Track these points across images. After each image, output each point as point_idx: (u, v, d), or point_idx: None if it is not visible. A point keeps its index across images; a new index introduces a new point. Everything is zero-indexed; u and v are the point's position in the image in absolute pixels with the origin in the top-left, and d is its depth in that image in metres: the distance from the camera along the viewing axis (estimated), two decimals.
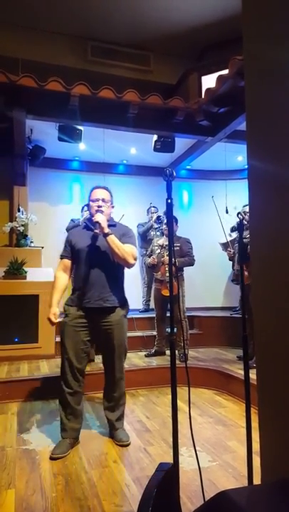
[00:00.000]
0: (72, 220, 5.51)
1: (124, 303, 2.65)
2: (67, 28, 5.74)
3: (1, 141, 5.00)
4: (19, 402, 3.36)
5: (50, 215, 5.98)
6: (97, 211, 2.57)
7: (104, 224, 2.47)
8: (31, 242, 5.23)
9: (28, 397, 3.43)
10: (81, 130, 4.75)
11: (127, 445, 2.53)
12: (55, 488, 2.02)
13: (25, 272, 4.56)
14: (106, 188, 2.70)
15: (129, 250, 2.55)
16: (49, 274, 4.86)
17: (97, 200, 2.62)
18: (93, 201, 2.63)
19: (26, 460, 2.34)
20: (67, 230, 5.54)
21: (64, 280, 2.65)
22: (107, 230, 2.47)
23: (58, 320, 2.57)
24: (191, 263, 4.41)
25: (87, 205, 2.73)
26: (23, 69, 4.94)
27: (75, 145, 5.05)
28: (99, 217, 2.49)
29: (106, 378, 2.67)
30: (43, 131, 4.97)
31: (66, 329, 2.53)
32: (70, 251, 2.65)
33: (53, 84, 4.18)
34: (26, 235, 5.05)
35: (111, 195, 2.71)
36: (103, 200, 2.62)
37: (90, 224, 2.60)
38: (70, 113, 4.46)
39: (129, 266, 2.60)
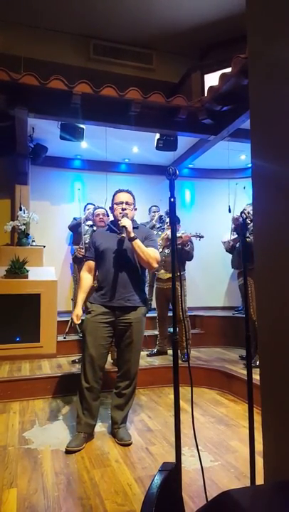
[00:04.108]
0: (74, 218, 5.51)
1: (145, 302, 2.71)
2: (70, 26, 5.73)
3: (2, 140, 5.00)
4: (21, 401, 3.36)
5: (52, 213, 5.98)
6: (122, 214, 2.62)
7: (130, 228, 2.54)
8: (33, 241, 5.23)
9: (29, 396, 3.43)
10: (83, 128, 4.73)
11: (129, 444, 2.53)
12: (57, 487, 2.02)
13: (27, 271, 4.56)
14: (129, 192, 2.77)
15: (153, 254, 2.62)
16: (50, 273, 4.86)
17: (121, 203, 2.69)
18: (117, 204, 2.70)
19: (28, 459, 2.34)
20: (70, 228, 5.54)
21: (89, 281, 2.75)
22: (132, 235, 2.54)
23: (82, 319, 2.64)
24: (189, 257, 4.38)
25: (110, 208, 2.80)
26: (26, 67, 4.93)
27: (76, 144, 5.03)
28: (125, 222, 2.55)
29: (121, 374, 2.69)
30: (45, 130, 4.96)
31: (88, 325, 2.59)
32: (94, 252, 2.72)
33: (55, 82, 4.17)
34: (28, 234, 5.05)
35: (134, 198, 2.77)
36: (127, 203, 2.69)
37: (115, 227, 2.66)
38: (72, 111, 4.45)
39: (152, 269, 2.71)
